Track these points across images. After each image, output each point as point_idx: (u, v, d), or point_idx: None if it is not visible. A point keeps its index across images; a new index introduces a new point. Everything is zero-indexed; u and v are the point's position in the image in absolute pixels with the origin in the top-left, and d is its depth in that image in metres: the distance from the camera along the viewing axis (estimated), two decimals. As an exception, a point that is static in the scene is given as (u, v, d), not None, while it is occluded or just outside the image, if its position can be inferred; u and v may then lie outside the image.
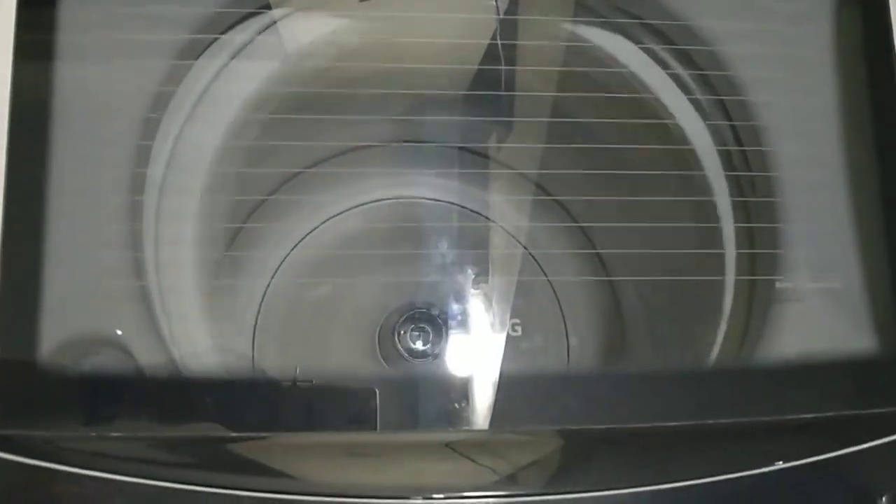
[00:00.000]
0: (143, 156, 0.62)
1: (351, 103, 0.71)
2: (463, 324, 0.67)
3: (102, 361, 0.57)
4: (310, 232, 0.79)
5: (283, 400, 0.59)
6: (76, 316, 0.57)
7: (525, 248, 0.76)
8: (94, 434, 0.55)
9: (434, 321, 0.72)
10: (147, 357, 0.58)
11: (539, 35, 0.72)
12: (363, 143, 0.77)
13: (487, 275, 0.69)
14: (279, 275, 0.78)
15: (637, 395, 0.63)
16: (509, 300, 0.69)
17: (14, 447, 0.53)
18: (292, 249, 0.78)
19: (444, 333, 0.70)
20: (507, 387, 0.61)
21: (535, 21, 0.72)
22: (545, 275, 0.74)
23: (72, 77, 0.60)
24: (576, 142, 0.70)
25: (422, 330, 0.72)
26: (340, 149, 0.77)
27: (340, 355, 0.74)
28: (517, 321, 0.68)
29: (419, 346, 0.72)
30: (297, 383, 0.58)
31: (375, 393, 0.60)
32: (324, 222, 0.80)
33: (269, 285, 0.77)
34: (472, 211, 0.77)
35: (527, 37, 0.70)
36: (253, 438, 0.58)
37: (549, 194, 0.74)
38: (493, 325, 0.67)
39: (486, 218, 0.77)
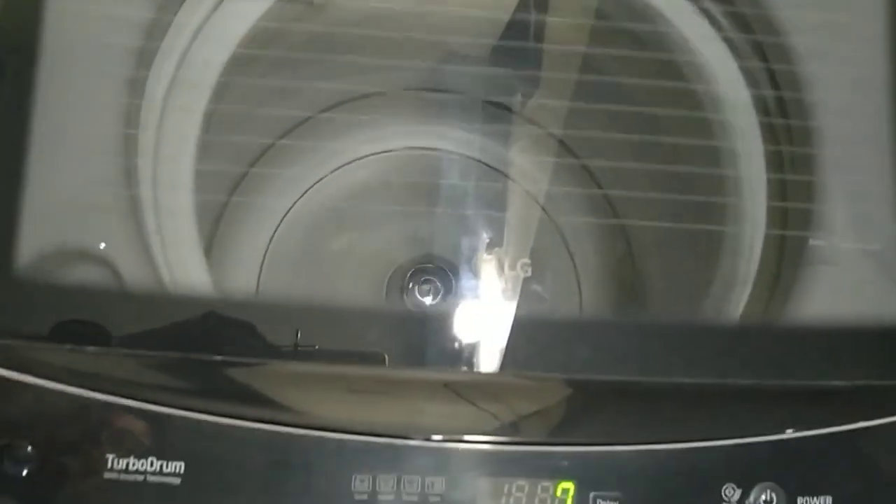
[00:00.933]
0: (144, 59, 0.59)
1: (371, 46, 0.67)
2: (472, 273, 0.65)
3: (83, 272, 0.55)
4: (322, 178, 0.78)
5: (280, 327, 0.56)
6: (59, 224, 0.55)
7: (540, 203, 0.73)
8: (67, 347, 0.53)
9: (442, 272, 0.69)
10: (132, 272, 0.55)
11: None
12: (380, 89, 0.74)
13: (498, 225, 0.67)
14: (285, 222, 0.76)
15: (650, 348, 0.59)
16: (520, 247, 0.66)
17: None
18: (302, 196, 0.77)
19: (452, 284, 0.68)
20: (515, 332, 0.58)
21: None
22: (552, 219, 0.71)
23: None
24: (599, 81, 0.66)
25: (430, 283, 0.70)
26: (357, 93, 0.74)
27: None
28: (527, 261, 0.65)
29: (428, 300, 0.70)
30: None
31: (381, 328, 0.58)
32: (337, 169, 0.78)
33: (274, 233, 0.75)
34: (482, 162, 0.74)
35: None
36: (244, 365, 0.55)
37: (564, 132, 0.71)
38: (503, 270, 0.64)
39: (502, 172, 0.74)
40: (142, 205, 0.57)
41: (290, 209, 0.77)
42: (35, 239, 0.54)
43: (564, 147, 0.75)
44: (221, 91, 0.64)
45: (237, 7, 0.65)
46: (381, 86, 0.75)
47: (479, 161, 0.76)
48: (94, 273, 0.55)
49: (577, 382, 0.57)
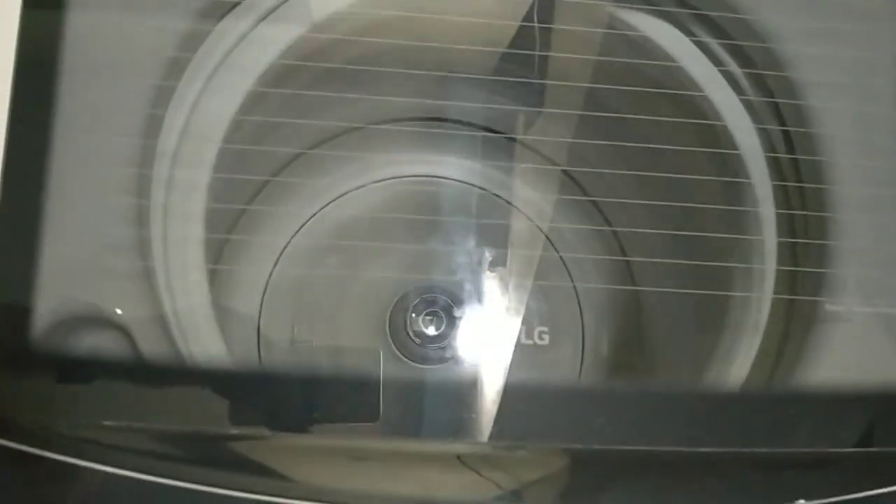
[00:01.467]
0: (154, 125, 0.58)
1: (373, 79, 0.67)
2: (475, 305, 0.64)
3: (98, 343, 0.55)
4: (324, 206, 0.77)
5: (287, 399, 0.57)
6: (73, 293, 0.54)
7: (554, 247, 0.72)
8: (83, 421, 0.53)
9: (451, 317, 0.69)
10: (146, 340, 0.55)
11: (580, 18, 0.67)
12: (380, 120, 0.74)
13: (508, 273, 0.66)
14: (286, 255, 0.76)
15: (657, 417, 0.58)
16: (529, 303, 0.65)
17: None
18: (304, 224, 0.77)
19: (456, 327, 0.67)
20: (518, 399, 0.57)
21: (577, 3, 0.67)
22: (571, 280, 0.71)
23: (83, 32, 0.57)
24: (612, 136, 0.65)
25: (434, 315, 0.70)
26: (358, 124, 0.74)
27: (349, 337, 0.72)
28: (545, 329, 0.64)
29: (431, 331, 0.70)
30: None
31: (379, 398, 0.56)
32: (340, 196, 0.78)
33: (278, 259, 0.75)
34: (496, 195, 0.73)
35: (566, 19, 0.66)
36: (250, 437, 0.55)
37: (580, 188, 0.70)
38: (508, 329, 0.64)
39: (509, 202, 0.73)
40: (154, 267, 0.58)
41: (289, 241, 0.77)
42: (48, 308, 0.53)
43: (591, 202, 0.74)
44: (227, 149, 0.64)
45: (246, 56, 0.65)
46: (380, 117, 0.75)
47: (484, 189, 0.75)
48: (108, 340, 0.55)
49: (580, 453, 0.57)
